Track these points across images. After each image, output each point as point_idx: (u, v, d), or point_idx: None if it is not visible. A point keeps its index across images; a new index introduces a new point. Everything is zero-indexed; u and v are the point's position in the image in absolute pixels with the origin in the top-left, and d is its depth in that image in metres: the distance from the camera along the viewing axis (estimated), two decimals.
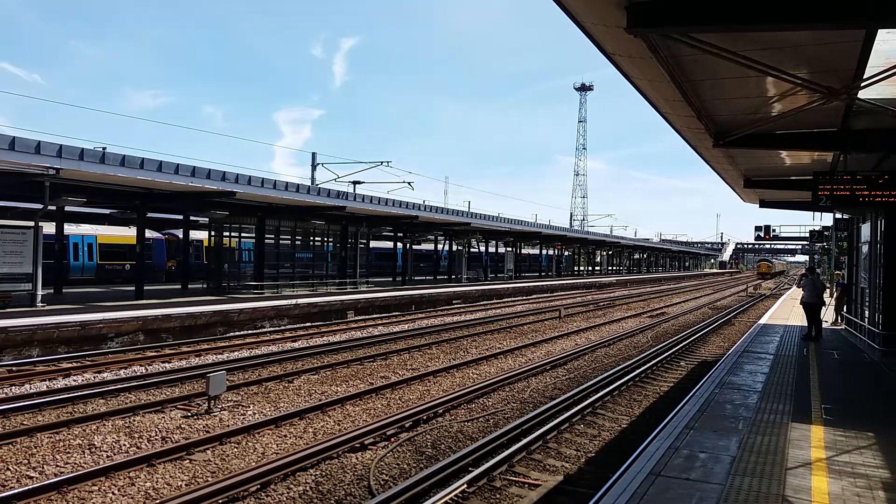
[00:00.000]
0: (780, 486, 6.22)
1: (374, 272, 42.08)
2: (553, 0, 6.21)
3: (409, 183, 42.06)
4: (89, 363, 15.38)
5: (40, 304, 19.67)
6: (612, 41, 7.51)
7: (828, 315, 22.56)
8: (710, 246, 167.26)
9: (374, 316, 27.92)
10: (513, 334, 23.34)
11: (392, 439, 9.94)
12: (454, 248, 49.89)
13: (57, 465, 8.49)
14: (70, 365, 15.11)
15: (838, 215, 25.77)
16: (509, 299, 41.22)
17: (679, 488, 6.12)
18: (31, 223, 20.22)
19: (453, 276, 48.36)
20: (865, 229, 18.44)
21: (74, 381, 13.65)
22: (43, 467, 8.39)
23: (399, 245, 45.93)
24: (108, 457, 8.89)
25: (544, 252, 69.73)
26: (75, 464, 8.58)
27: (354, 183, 39.41)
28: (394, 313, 29.44)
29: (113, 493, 7.63)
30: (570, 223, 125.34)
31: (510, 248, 58.71)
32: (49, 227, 25.39)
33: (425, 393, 13.33)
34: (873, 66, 8.05)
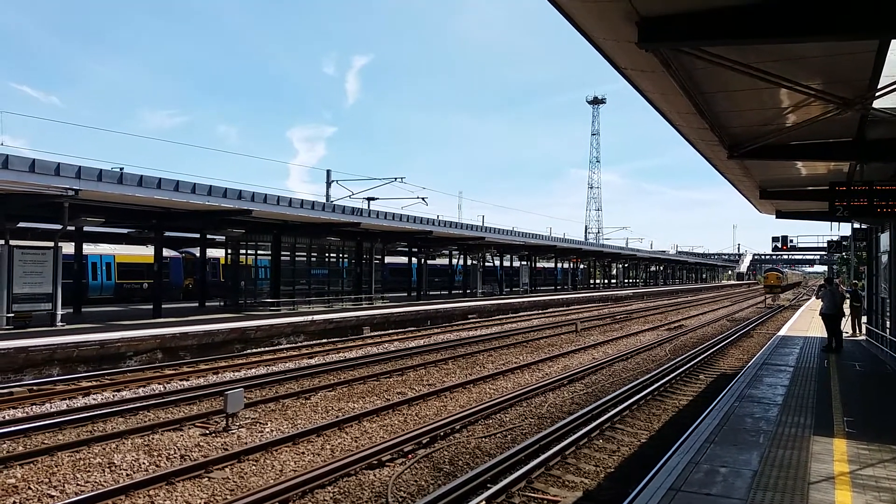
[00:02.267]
0: (804, 501, 6.14)
1: (389, 287, 42.14)
2: (565, 18, 6.27)
3: (423, 198, 42.40)
4: (108, 382, 15.50)
5: (60, 324, 19.89)
6: (623, 56, 7.55)
7: (846, 326, 22.31)
8: (727, 258, 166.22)
9: (390, 331, 27.94)
10: (529, 349, 23.25)
11: (409, 456, 9.92)
12: (469, 262, 49.90)
13: (77, 484, 8.55)
14: (90, 384, 15.24)
15: (856, 225, 25.55)
16: (525, 313, 41.10)
17: (699, 503, 6.07)
18: (51, 244, 20.52)
19: (468, 291, 48.33)
20: (884, 239, 18.26)
21: (94, 399, 13.76)
22: (64, 486, 8.46)
23: (414, 260, 46.02)
24: (127, 475, 8.94)
25: (559, 265, 69.55)
26: (96, 482, 8.64)
27: (369, 199, 39.64)
28: (409, 328, 29.45)
29: None
30: (585, 236, 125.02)
31: (525, 262, 58.62)
32: (68, 247, 25.69)
33: (442, 409, 13.31)
34: (888, 75, 8.02)
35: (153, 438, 10.75)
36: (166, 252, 32.52)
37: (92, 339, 16.94)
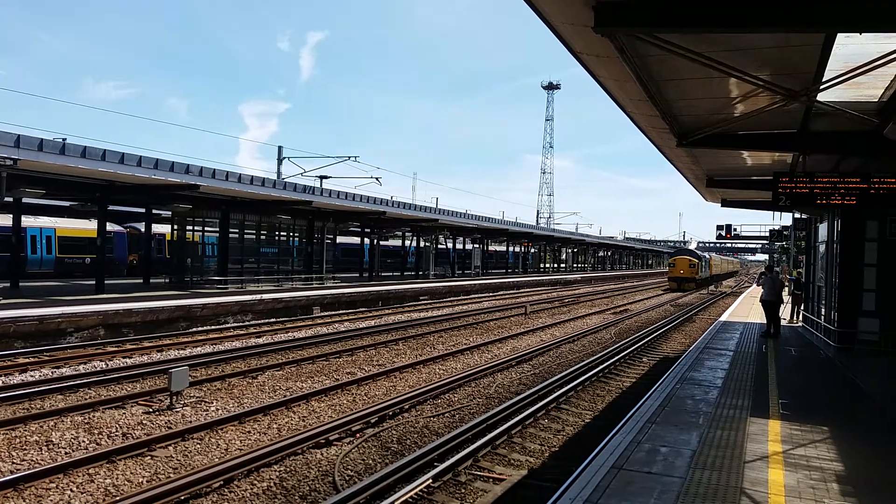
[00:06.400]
0: (739, 479, 6.36)
1: (340, 268, 41.86)
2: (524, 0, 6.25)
3: (377, 178, 41.93)
4: (47, 358, 15.03)
5: None
6: (579, 40, 7.58)
7: (785, 313, 23.08)
8: (672, 244, 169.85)
9: (341, 312, 27.77)
10: (479, 330, 23.42)
11: (357, 435, 9.92)
12: (422, 244, 49.87)
13: (13, 463, 8.30)
14: (27, 360, 14.75)
15: (797, 215, 26.39)
16: (476, 296, 41.35)
17: (641, 482, 6.22)
18: None
19: (420, 273, 48.33)
20: (822, 229, 18.90)
21: (31, 376, 13.33)
22: None
23: (366, 241, 45.71)
24: (66, 453, 8.71)
25: (511, 249, 70.12)
26: (32, 461, 8.39)
27: (321, 178, 39.13)
28: (360, 309, 29.32)
29: (71, 491, 7.48)
30: (537, 221, 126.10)
31: (477, 245, 58.88)
32: (5, 219, 24.72)
33: (391, 389, 13.32)
34: (832, 69, 8.26)
35: (94, 416, 10.49)
36: (110, 227, 31.55)
37: (30, 315, 16.38)
